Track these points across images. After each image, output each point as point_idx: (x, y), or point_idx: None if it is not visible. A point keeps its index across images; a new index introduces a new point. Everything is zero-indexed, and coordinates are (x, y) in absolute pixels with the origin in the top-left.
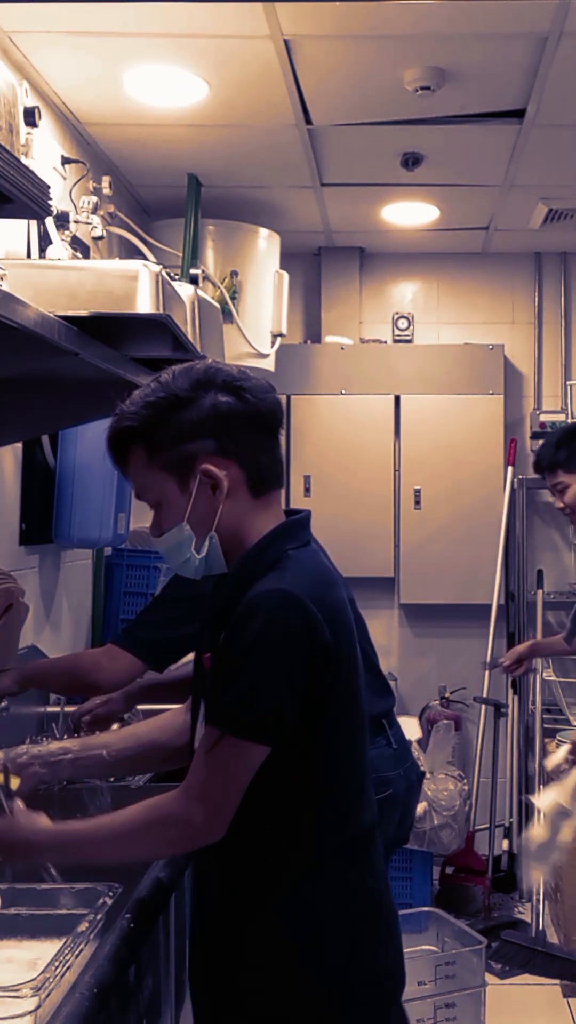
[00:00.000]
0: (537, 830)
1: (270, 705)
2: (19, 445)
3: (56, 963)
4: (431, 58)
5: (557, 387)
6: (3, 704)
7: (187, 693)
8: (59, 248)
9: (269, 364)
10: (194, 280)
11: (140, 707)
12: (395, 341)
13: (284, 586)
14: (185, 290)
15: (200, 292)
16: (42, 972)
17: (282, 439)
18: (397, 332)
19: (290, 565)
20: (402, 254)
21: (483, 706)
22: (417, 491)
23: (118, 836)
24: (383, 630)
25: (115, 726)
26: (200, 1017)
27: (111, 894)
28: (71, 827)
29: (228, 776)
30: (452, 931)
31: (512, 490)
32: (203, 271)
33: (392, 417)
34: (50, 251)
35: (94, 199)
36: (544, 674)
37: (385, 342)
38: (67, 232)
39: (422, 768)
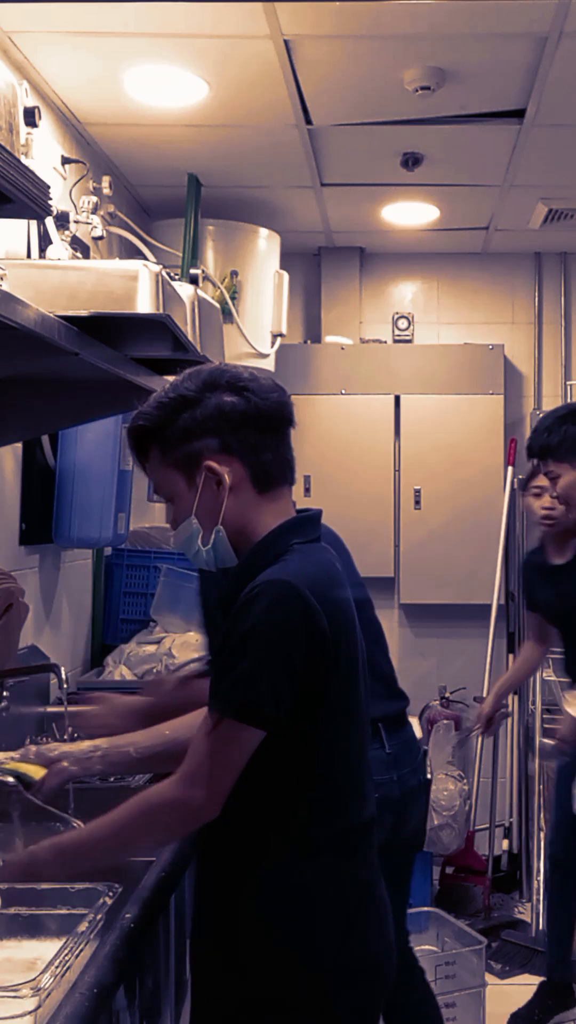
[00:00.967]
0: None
1: (268, 690)
2: (19, 445)
3: (56, 963)
4: (431, 58)
5: (557, 387)
6: (3, 704)
7: None
8: (59, 248)
9: (269, 364)
10: (194, 280)
11: None
12: (395, 341)
13: (285, 576)
14: (185, 290)
15: (200, 292)
16: (42, 972)
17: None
18: (397, 332)
19: (294, 557)
20: (402, 254)
21: None
22: (417, 491)
23: (117, 833)
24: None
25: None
26: (197, 999)
27: (111, 894)
28: (68, 836)
29: (225, 758)
30: (452, 931)
31: (512, 490)
32: (203, 271)
33: (392, 417)
34: (50, 251)
35: (94, 199)
36: (544, 674)
37: (385, 342)
38: (67, 232)
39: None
